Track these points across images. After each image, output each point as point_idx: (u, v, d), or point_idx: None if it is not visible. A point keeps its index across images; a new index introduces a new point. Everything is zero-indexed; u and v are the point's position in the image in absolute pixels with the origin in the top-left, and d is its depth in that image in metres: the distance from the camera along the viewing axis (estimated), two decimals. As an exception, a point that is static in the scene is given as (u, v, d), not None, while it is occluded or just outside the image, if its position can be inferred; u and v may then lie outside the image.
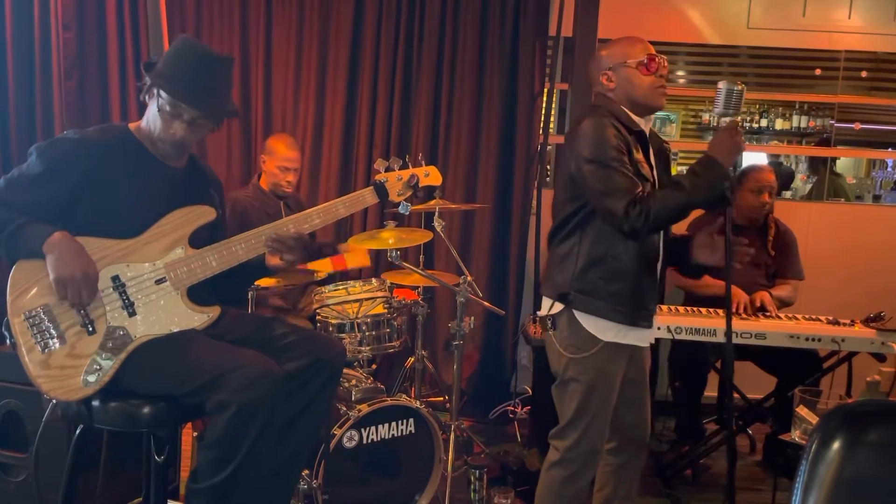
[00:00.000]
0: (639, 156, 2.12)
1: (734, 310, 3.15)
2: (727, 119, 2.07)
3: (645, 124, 2.19)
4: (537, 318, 2.32)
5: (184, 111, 1.99)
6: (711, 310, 3.12)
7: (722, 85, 2.05)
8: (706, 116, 4.40)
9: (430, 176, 2.26)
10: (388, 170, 2.18)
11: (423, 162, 2.28)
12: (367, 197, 2.16)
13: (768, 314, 3.13)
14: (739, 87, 2.03)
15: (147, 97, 2.04)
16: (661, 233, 2.20)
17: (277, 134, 3.75)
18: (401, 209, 2.23)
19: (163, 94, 1.98)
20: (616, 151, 2.04)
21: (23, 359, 1.84)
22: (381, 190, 2.17)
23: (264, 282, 2.88)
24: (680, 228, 2.54)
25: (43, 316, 1.85)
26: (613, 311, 2.12)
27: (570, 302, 2.15)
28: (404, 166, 2.21)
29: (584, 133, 2.09)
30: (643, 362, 2.32)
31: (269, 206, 3.51)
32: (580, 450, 2.19)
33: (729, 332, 2.19)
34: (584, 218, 2.14)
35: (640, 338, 2.20)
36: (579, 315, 2.15)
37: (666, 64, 2.18)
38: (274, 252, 2.07)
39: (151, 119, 2.03)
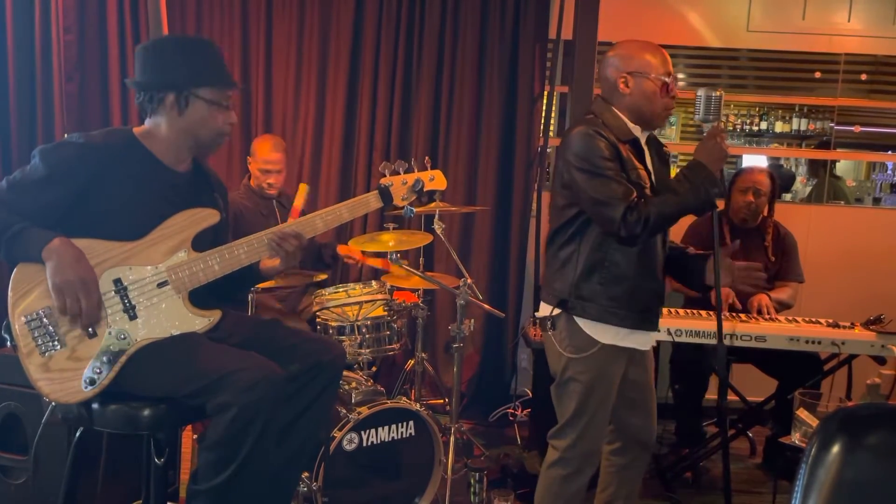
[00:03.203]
0: (634, 162, 2.13)
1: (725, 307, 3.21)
2: (709, 125, 2.10)
3: (641, 132, 2.20)
4: (537, 320, 2.32)
5: (225, 97, 2.03)
6: (712, 312, 3.12)
7: (701, 92, 2.08)
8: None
9: (434, 180, 2.22)
10: (392, 173, 2.15)
11: (428, 165, 2.24)
12: (371, 201, 2.14)
13: (768, 317, 3.13)
14: (718, 93, 2.07)
15: (177, 111, 1.99)
16: (660, 236, 2.21)
17: (261, 135, 3.71)
18: (405, 213, 2.22)
19: (204, 93, 1.98)
20: (607, 160, 2.06)
21: (23, 361, 1.83)
22: (385, 194, 2.14)
23: (264, 283, 2.88)
24: (675, 237, 2.55)
25: (44, 319, 1.85)
26: (612, 315, 2.13)
27: (569, 308, 2.16)
28: (409, 170, 2.18)
29: (574, 142, 2.10)
30: (646, 364, 2.32)
31: (261, 206, 3.49)
32: (578, 449, 2.20)
33: (720, 336, 2.19)
34: (582, 224, 2.15)
35: (639, 341, 2.20)
36: (578, 319, 2.16)
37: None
38: (275, 252, 2.07)
39: (194, 127, 2.01)
